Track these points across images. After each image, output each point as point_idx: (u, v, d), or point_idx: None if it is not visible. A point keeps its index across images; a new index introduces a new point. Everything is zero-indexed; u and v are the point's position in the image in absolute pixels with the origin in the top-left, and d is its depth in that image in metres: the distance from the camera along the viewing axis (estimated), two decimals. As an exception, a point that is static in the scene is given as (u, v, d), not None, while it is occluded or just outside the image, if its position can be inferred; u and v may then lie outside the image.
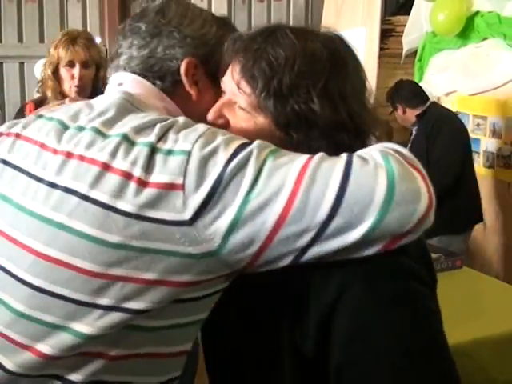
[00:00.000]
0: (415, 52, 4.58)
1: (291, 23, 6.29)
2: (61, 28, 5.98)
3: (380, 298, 0.85)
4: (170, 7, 1.08)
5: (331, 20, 5.91)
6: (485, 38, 3.66)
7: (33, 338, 0.89)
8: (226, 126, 0.98)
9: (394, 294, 0.85)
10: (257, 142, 0.88)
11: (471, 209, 3.45)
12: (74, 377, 0.90)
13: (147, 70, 1.04)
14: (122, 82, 1.05)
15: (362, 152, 0.88)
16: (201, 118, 1.01)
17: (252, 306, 0.94)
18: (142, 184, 0.85)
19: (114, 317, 0.87)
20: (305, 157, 0.86)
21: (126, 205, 0.84)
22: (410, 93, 3.78)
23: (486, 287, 2.58)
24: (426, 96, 3.81)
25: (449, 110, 3.78)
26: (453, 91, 4.00)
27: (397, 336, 0.83)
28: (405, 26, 4.64)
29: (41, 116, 1.02)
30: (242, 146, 0.87)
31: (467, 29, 3.76)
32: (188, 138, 0.88)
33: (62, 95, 2.53)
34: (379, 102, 4.60)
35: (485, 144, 3.76)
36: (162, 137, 0.89)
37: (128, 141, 0.89)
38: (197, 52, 1.05)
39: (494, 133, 3.69)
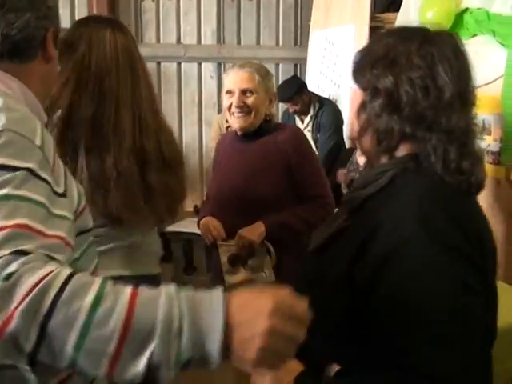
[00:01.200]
0: (405, 49, 4.58)
1: (280, 21, 6.28)
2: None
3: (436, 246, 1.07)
4: None
5: (320, 17, 5.91)
6: (474, 35, 3.67)
7: None
8: None
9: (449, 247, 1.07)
10: (10, 174, 0.94)
11: None
12: None
13: (17, 43, 1.14)
14: None
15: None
16: (53, 81, 1.27)
17: (326, 245, 1.25)
18: None
19: None
20: None
21: None
22: None
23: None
24: None
25: None
26: (442, 88, 4.01)
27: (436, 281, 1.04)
28: (394, 23, 4.64)
29: None
30: None
31: (456, 26, 3.77)
32: None
33: None
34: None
35: (474, 140, 3.77)
36: None
37: None
38: (54, 22, 1.21)
39: (484, 129, 3.70)
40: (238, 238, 2.19)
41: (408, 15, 4.37)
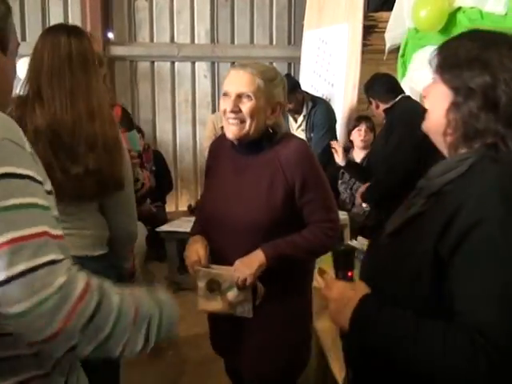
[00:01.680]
0: (398, 48, 4.60)
1: (274, 20, 6.26)
2: (42, 26, 5.93)
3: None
4: None
5: (314, 17, 5.92)
6: (467, 34, 3.68)
7: None
8: None
9: None
10: (18, 182, 0.99)
11: None
12: None
13: None
14: None
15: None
16: (7, 89, 1.23)
17: (406, 228, 1.31)
18: None
19: None
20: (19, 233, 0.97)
21: None
22: (382, 87, 3.76)
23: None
24: (400, 90, 3.79)
25: (419, 105, 3.71)
26: (436, 87, 4.01)
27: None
28: (387, 22, 4.65)
29: None
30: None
31: (449, 24, 3.78)
32: None
33: None
34: (361, 99, 4.63)
35: (468, 139, 3.78)
36: None
37: None
38: None
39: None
40: (235, 270, 1.98)
41: (401, 14, 4.38)
